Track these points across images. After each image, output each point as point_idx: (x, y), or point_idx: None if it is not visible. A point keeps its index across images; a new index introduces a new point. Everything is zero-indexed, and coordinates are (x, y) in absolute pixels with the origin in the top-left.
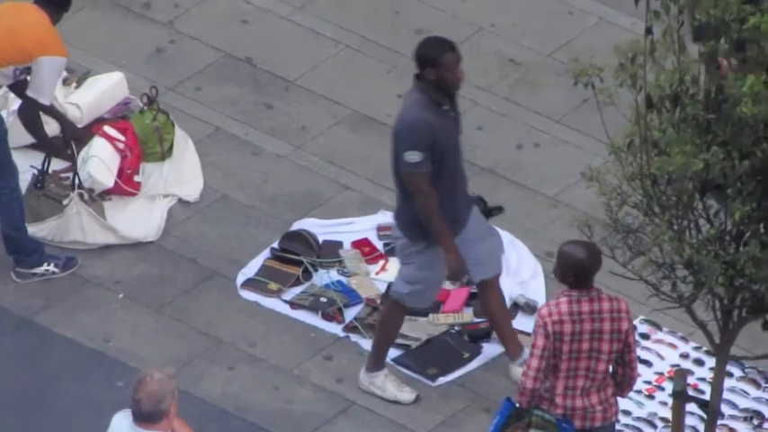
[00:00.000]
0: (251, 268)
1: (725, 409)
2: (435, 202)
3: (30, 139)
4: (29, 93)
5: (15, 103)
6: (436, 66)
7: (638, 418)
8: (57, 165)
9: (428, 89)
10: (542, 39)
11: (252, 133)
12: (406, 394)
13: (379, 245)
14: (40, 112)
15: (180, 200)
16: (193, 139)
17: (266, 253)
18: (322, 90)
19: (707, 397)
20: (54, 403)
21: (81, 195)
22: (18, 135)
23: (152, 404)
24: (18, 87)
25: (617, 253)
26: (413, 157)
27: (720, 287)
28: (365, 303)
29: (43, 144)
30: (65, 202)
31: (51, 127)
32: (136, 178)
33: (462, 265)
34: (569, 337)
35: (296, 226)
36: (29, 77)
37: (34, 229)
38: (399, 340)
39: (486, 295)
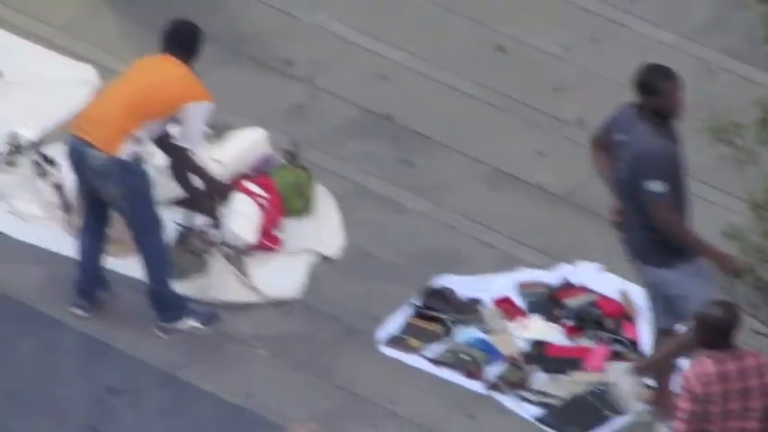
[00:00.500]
0: (392, 325)
1: None
2: (684, 224)
3: (172, 195)
4: (178, 142)
5: (159, 157)
6: (656, 94)
7: None
8: (199, 220)
9: (651, 117)
10: None
11: (392, 190)
12: None
13: (520, 302)
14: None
15: (321, 256)
16: (334, 195)
17: (407, 309)
18: (461, 147)
19: None
20: None
21: (224, 253)
22: (161, 190)
23: None
24: (163, 142)
25: (760, 312)
26: (658, 186)
27: None
28: (506, 361)
29: (191, 196)
30: (208, 259)
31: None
32: (277, 234)
33: (734, 259)
34: (718, 398)
35: (437, 283)
36: (171, 128)
37: (177, 286)
38: (542, 399)
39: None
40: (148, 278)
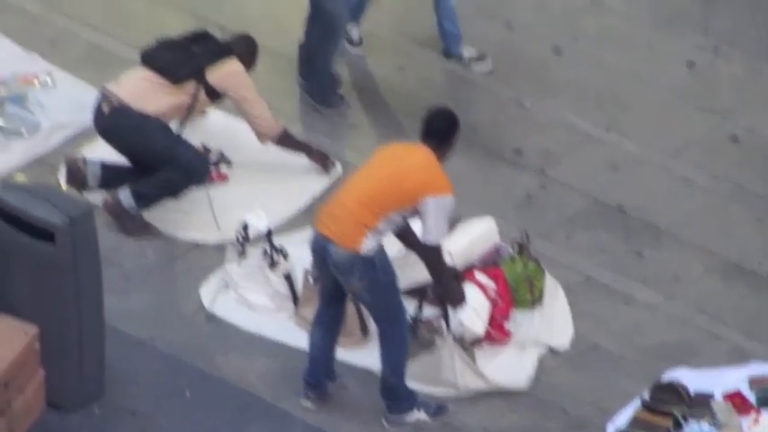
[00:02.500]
0: (621, 418)
1: None
2: None
3: (404, 286)
4: (422, 236)
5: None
6: None
7: None
8: (427, 312)
9: None
10: None
11: (622, 281)
12: None
13: (751, 397)
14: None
15: (550, 348)
16: (563, 286)
17: (636, 403)
18: (694, 239)
19: None
20: None
21: (454, 338)
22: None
23: None
24: (404, 234)
25: None
26: None
27: None
28: None
29: (440, 283)
30: (438, 342)
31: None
32: (506, 326)
33: None
34: None
35: (667, 376)
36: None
37: (407, 375)
38: None
39: None
40: (386, 368)
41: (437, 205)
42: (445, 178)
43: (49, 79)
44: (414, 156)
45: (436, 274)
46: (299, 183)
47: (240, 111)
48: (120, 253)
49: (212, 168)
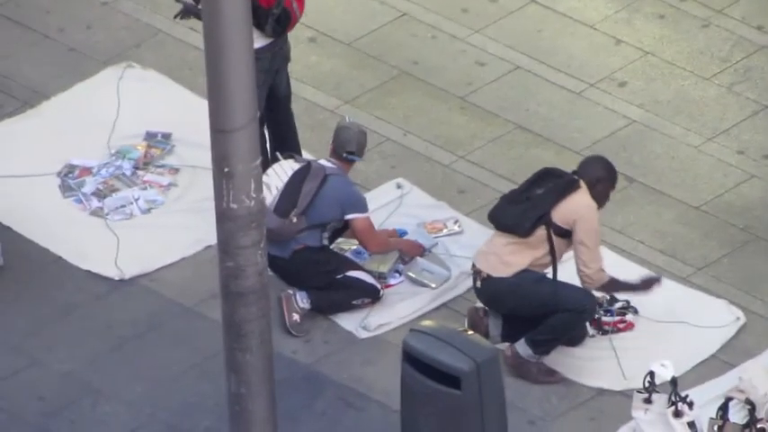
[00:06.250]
0: None
1: None
2: None
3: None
4: None
5: None
6: None
7: None
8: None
9: None
10: None
11: None
12: None
13: None
14: None
15: None
16: None
17: None
18: None
19: None
20: None
21: None
22: None
23: None
24: None
25: None
26: None
27: None
28: None
29: None
30: None
31: None
32: None
33: None
34: None
35: None
36: None
37: None
38: None
39: None
40: None
41: None
42: None
43: (456, 227)
44: None
45: None
46: (703, 333)
47: (574, 248)
48: (525, 398)
49: (618, 317)
